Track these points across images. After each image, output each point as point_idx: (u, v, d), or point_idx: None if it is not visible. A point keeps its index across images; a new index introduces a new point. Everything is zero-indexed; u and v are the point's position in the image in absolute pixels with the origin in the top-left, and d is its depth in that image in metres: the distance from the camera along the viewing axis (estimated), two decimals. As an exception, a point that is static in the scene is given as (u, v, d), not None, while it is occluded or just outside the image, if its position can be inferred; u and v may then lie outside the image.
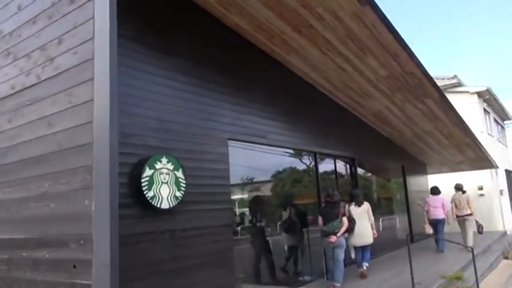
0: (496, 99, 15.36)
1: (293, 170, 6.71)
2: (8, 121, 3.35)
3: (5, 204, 3.21)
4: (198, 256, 4.02)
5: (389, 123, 8.53)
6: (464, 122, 8.48)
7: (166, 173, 3.72)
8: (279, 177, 6.50)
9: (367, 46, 5.19)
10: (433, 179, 11.91)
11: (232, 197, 5.01)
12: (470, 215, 8.98)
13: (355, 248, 6.53)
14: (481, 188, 13.15)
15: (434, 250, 8.79)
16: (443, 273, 6.04)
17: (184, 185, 3.84)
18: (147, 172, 3.55)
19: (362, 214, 6.52)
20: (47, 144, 2.94)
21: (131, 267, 3.33)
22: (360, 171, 8.49)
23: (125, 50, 3.55)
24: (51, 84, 3.00)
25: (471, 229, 8.96)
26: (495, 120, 16.94)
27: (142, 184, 3.49)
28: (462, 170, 12.17)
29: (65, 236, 2.68)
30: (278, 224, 6.22)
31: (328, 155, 7.31)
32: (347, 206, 6.59)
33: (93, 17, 2.74)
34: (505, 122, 19.22)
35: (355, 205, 6.60)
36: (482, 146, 10.24)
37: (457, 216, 9.05)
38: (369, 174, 9.59)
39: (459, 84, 14.24)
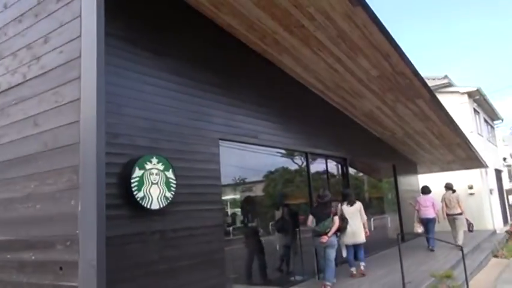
0: (485, 100, 15.55)
1: (285, 170, 6.70)
2: (-7, 121, 3.29)
3: (-9, 205, 3.15)
4: (189, 257, 4.00)
5: (380, 123, 8.58)
6: (454, 122, 8.56)
7: (156, 174, 3.69)
8: (271, 177, 6.49)
9: (359, 46, 5.21)
10: (423, 179, 12.01)
11: (224, 198, 4.99)
12: (461, 214, 9.08)
13: (347, 246, 6.56)
14: (471, 188, 13.30)
15: (425, 249, 8.86)
16: (434, 271, 6.09)
17: (174, 186, 3.82)
18: (137, 172, 3.51)
19: (354, 213, 6.56)
20: (33, 144, 2.90)
21: (120, 269, 3.29)
22: (351, 171, 8.51)
23: (113, 49, 3.51)
24: (38, 84, 2.95)
25: (462, 228, 9.06)
26: (485, 120, 17.14)
27: (132, 185, 3.45)
28: (452, 169, 12.29)
29: (51, 237, 2.63)
30: (270, 224, 6.21)
31: (320, 155, 7.32)
32: (339, 205, 6.62)
33: (80, 15, 2.70)
34: (495, 122, 19.46)
35: (348, 204, 6.64)
36: (472, 145, 10.34)
37: (447, 215, 9.14)
38: (361, 174, 9.63)
39: (450, 85, 14.38)
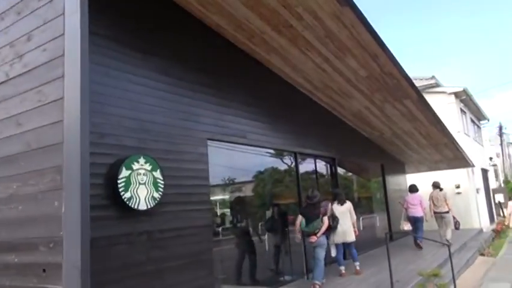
0: (472, 100, 15.79)
1: (274, 170, 6.70)
2: (-25, 120, 3.21)
3: (-28, 207, 3.07)
4: (177, 258, 3.96)
5: (369, 123, 8.64)
6: (441, 122, 8.67)
7: (143, 174, 3.65)
8: (260, 177, 6.48)
9: (347, 46, 5.23)
10: (411, 178, 12.14)
11: (213, 198, 4.97)
12: (448, 212, 9.21)
13: (337, 245, 6.59)
14: (458, 187, 13.48)
15: (412, 248, 8.95)
16: (421, 270, 6.15)
17: (162, 186, 3.78)
18: (124, 173, 3.47)
19: (344, 212, 6.62)
20: (15, 144, 2.84)
21: (107, 270, 3.26)
22: (340, 170, 8.56)
23: (99, 48, 3.47)
24: (20, 82, 2.89)
25: (449, 226, 9.18)
26: (471, 120, 17.41)
27: (119, 185, 3.41)
28: (440, 169, 12.44)
29: (34, 239, 2.58)
30: (259, 224, 6.20)
31: (309, 155, 7.34)
32: (330, 204, 6.65)
33: (63, 13, 2.65)
34: (481, 121, 19.78)
35: (338, 203, 6.70)
36: (459, 145, 10.49)
37: (435, 213, 9.27)
38: (349, 173, 9.69)
39: (437, 85, 14.56)
